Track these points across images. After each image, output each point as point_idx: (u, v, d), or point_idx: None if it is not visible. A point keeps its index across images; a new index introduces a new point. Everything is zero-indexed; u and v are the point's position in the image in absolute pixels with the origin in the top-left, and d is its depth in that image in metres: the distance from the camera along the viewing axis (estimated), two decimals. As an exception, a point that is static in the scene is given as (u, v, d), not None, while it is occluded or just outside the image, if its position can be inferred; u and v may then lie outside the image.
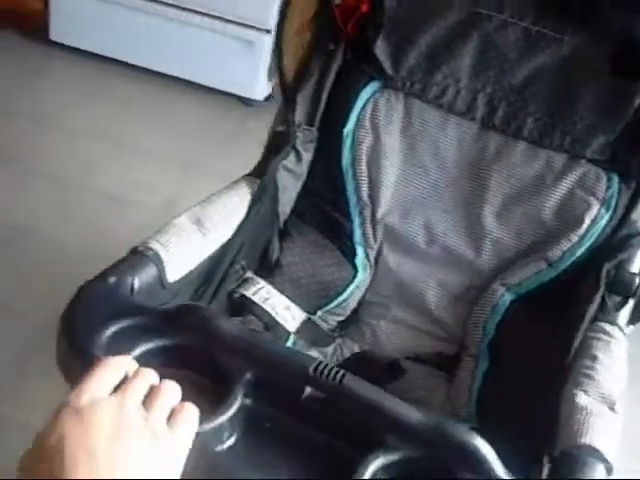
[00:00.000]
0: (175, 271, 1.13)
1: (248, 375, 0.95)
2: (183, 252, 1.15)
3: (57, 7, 2.95)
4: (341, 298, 1.39)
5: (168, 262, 1.11)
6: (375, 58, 1.35)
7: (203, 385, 0.96)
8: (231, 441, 0.92)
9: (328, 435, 0.94)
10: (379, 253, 1.40)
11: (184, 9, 2.80)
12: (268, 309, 1.27)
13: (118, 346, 0.94)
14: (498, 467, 0.89)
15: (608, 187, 1.28)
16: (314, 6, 1.43)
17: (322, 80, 1.38)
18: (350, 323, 1.41)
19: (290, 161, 1.35)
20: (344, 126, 1.36)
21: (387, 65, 1.35)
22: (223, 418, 0.91)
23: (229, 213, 1.26)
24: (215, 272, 1.22)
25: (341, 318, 1.40)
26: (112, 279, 1.05)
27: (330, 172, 1.38)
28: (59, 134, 2.64)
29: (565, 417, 1.04)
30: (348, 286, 1.39)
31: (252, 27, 2.77)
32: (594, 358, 1.13)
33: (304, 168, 1.38)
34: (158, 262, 1.09)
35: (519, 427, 1.17)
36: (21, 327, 1.87)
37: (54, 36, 3.01)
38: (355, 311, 1.41)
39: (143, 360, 0.92)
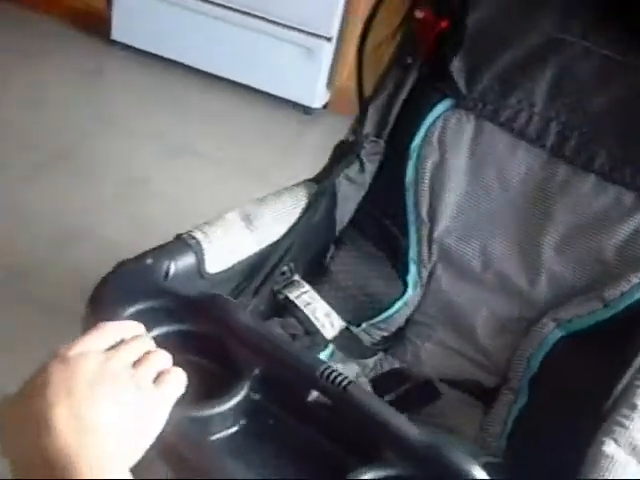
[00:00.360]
0: (216, 263, 1.15)
1: (257, 370, 0.96)
2: (226, 245, 1.17)
3: (119, 6, 3.00)
4: (387, 313, 1.37)
5: (209, 252, 1.13)
6: (450, 76, 1.33)
7: (214, 373, 0.98)
8: (230, 432, 0.93)
9: (329, 441, 0.94)
10: (432, 273, 1.38)
11: (246, 13, 2.81)
12: (308, 313, 1.27)
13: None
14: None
15: None
16: (397, 19, 1.43)
17: (395, 93, 1.37)
18: (394, 340, 1.39)
19: (353, 170, 1.35)
20: (411, 141, 1.35)
21: (461, 84, 1.33)
22: (223, 407, 0.92)
23: (280, 214, 1.27)
24: (259, 271, 1.23)
25: (386, 334, 1.38)
26: (149, 261, 1.08)
27: (393, 186, 1.37)
28: (115, 134, 2.67)
29: (589, 463, 0.99)
30: (396, 302, 1.37)
31: (313, 34, 2.75)
32: (633, 407, 1.07)
33: (367, 179, 1.38)
34: (198, 251, 1.11)
35: (545, 468, 1.12)
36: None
37: (115, 35, 3.06)
38: (401, 329, 1.39)
39: (159, 342, 0.95)
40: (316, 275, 1.33)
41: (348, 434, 0.93)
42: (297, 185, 1.33)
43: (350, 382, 0.92)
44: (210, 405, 0.92)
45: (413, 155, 1.35)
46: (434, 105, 1.35)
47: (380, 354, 1.38)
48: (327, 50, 2.77)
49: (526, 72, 1.30)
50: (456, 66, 1.33)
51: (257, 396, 0.96)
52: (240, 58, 2.89)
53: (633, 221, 1.24)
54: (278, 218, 1.27)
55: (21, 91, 2.76)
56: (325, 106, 2.95)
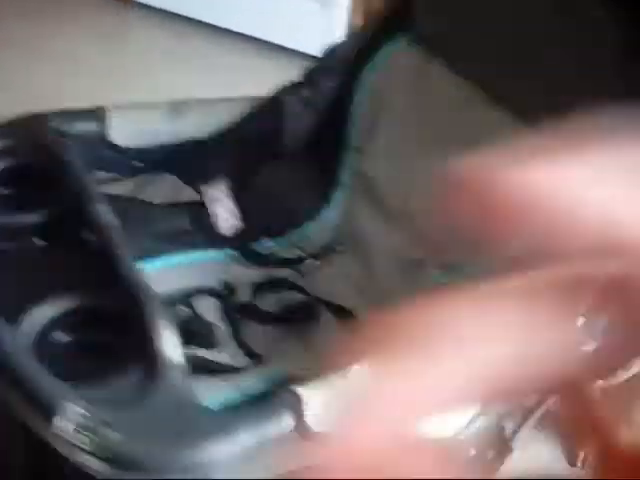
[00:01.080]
0: (126, 136, 1.26)
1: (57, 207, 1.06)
2: (140, 124, 1.28)
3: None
4: (303, 231, 1.37)
5: (115, 122, 1.24)
6: (413, 11, 1.31)
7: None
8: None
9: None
10: (354, 202, 1.36)
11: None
12: (211, 209, 1.33)
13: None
14: (168, 351, 0.87)
15: None
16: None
17: (373, 25, 1.38)
18: (307, 260, 1.38)
19: (307, 91, 1.38)
20: (363, 68, 1.34)
21: (421, 19, 1.30)
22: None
23: (213, 115, 1.34)
24: (178, 160, 1.31)
25: (302, 253, 1.38)
26: (50, 116, 1.22)
27: (340, 112, 1.38)
28: (142, 95, 2.52)
29: None
30: (312, 221, 1.37)
31: (328, -17, 2.57)
32: None
33: (322, 102, 1.39)
34: (102, 119, 1.23)
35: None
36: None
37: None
38: (319, 252, 1.38)
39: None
40: (243, 181, 1.37)
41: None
42: (248, 97, 1.39)
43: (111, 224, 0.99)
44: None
45: (362, 84, 1.35)
46: (392, 38, 1.33)
47: (290, 271, 1.38)
48: (343, 0, 2.66)
49: (484, 14, 1.24)
50: (422, 2, 1.31)
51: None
52: (256, 11, 2.84)
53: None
54: (209, 117, 1.34)
55: (46, 57, 2.70)
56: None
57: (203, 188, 1.35)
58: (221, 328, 1.25)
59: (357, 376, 0.81)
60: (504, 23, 1.23)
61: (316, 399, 0.90)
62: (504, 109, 1.20)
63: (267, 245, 1.37)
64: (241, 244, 1.34)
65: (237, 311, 1.29)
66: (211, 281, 1.31)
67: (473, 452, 1.16)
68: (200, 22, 2.99)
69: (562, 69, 1.15)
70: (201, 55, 2.91)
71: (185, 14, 3.01)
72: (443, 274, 1.19)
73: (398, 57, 1.32)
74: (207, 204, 1.34)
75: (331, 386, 0.91)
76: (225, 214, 1.33)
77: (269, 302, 1.32)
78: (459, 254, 1.18)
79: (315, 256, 1.39)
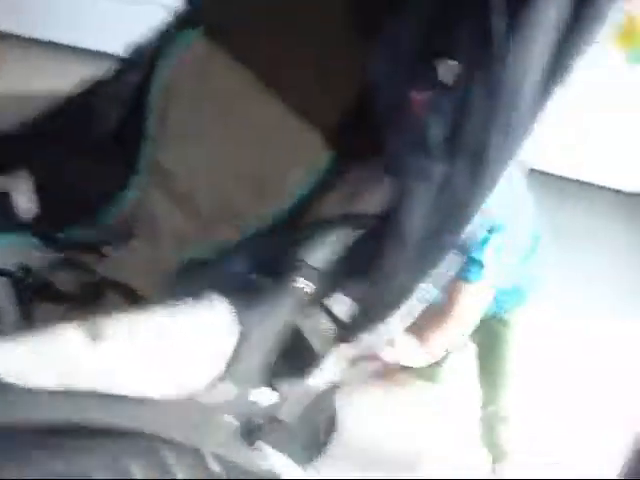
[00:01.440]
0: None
1: None
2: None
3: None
4: (104, 218, 1.43)
5: None
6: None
7: None
8: None
9: None
10: (148, 188, 1.43)
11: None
12: (11, 196, 1.39)
13: None
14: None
15: (323, 162, 1.14)
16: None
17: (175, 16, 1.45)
18: (105, 244, 1.44)
19: (112, 83, 1.44)
20: (160, 61, 1.41)
21: (208, 11, 1.37)
22: None
23: (20, 108, 1.41)
24: None
25: (100, 238, 1.44)
26: None
27: (139, 102, 1.44)
28: None
29: None
30: (112, 206, 1.43)
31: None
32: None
33: (125, 93, 1.45)
34: None
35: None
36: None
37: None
38: (114, 239, 1.44)
39: None
40: (49, 171, 1.43)
41: None
42: (56, 93, 1.45)
43: None
44: None
45: (157, 77, 1.42)
46: (185, 30, 1.40)
47: (89, 255, 1.43)
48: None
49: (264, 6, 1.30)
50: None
51: None
52: (105, 27, 2.79)
53: (287, 144, 1.20)
54: (15, 111, 1.41)
55: None
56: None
57: (7, 177, 1.41)
58: (8, 306, 1.30)
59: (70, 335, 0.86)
60: (282, 17, 1.30)
61: (17, 353, 0.94)
62: (278, 96, 1.27)
63: (70, 232, 1.43)
64: (44, 232, 1.40)
65: (30, 291, 1.35)
66: (6, 264, 1.37)
67: (235, 423, 1.17)
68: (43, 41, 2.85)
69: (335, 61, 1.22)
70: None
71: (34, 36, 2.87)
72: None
73: (189, 49, 1.39)
74: (10, 193, 1.40)
75: (38, 341, 0.96)
76: (26, 203, 1.40)
77: (64, 284, 1.38)
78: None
79: (113, 240, 1.45)
